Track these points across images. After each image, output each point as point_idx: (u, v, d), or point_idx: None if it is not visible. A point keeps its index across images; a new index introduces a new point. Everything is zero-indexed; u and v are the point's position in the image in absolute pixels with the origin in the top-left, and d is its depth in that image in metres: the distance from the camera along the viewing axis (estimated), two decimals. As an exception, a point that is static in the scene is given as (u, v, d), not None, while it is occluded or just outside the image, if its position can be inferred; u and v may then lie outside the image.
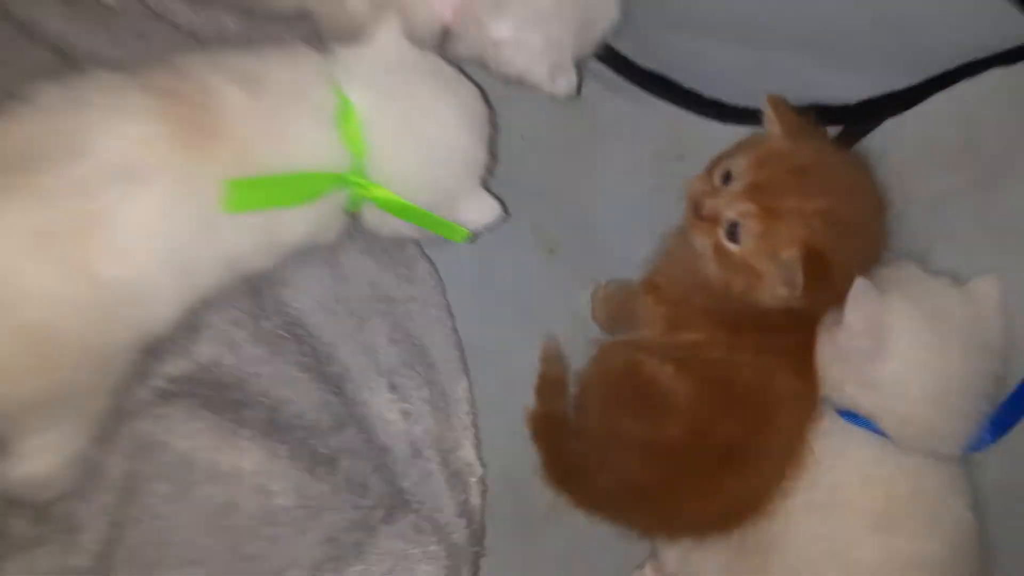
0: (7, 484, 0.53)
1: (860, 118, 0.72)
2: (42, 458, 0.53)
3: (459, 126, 0.57)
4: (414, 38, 0.59)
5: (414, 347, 0.70)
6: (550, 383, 0.73)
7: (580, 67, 0.66)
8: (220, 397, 0.61)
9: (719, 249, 0.61)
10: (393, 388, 0.68)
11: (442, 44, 0.65)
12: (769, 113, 0.63)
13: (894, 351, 0.58)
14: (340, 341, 0.67)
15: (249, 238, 0.52)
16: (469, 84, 0.60)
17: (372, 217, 0.59)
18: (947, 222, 0.66)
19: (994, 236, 0.63)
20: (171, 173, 0.47)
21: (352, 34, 0.61)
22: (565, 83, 0.65)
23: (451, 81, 0.59)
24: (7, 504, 0.56)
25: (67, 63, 0.66)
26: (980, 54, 0.62)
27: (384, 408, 0.67)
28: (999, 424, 0.62)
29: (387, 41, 0.57)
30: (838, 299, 0.60)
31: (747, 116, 0.77)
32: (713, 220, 0.61)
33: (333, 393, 0.66)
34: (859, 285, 0.58)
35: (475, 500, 0.69)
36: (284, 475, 0.61)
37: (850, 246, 0.61)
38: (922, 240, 0.66)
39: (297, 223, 0.54)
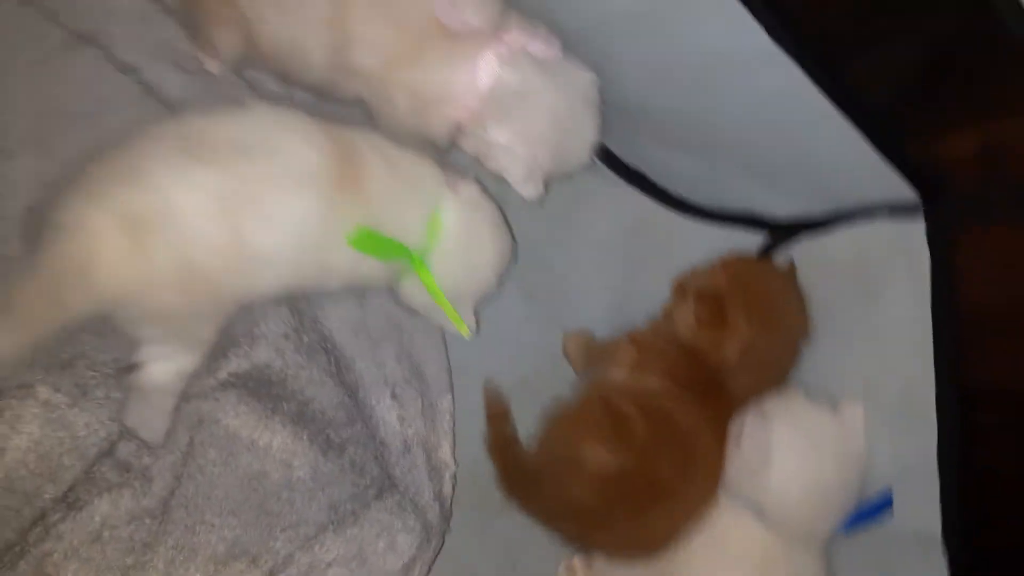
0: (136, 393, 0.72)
1: (785, 231, 0.91)
2: (162, 366, 0.71)
3: (490, 265, 0.80)
4: (433, 130, 0.78)
5: (413, 366, 0.89)
6: (496, 415, 0.87)
7: (547, 183, 0.81)
8: (265, 390, 0.79)
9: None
10: (394, 397, 0.86)
11: (453, 135, 0.80)
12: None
13: (775, 472, 0.76)
14: (358, 356, 0.85)
15: (342, 262, 0.70)
16: (509, 236, 0.81)
17: (409, 288, 0.78)
18: (837, 326, 0.84)
19: (869, 344, 0.81)
20: (320, 194, 0.66)
21: (395, 125, 0.78)
22: (532, 189, 0.79)
23: (499, 230, 0.80)
24: (112, 445, 0.74)
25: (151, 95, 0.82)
26: (876, 200, 0.80)
27: (386, 412, 0.85)
28: (855, 520, 0.79)
29: (470, 189, 0.78)
30: (756, 381, 0.80)
31: (703, 213, 0.96)
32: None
33: (348, 396, 0.84)
34: (751, 420, 0.77)
35: (447, 489, 0.87)
36: (304, 454, 0.79)
37: (768, 339, 0.81)
38: (815, 339, 0.85)
39: (374, 268, 0.73)
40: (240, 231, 0.63)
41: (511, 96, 0.75)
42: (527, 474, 0.84)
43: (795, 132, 0.76)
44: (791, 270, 0.86)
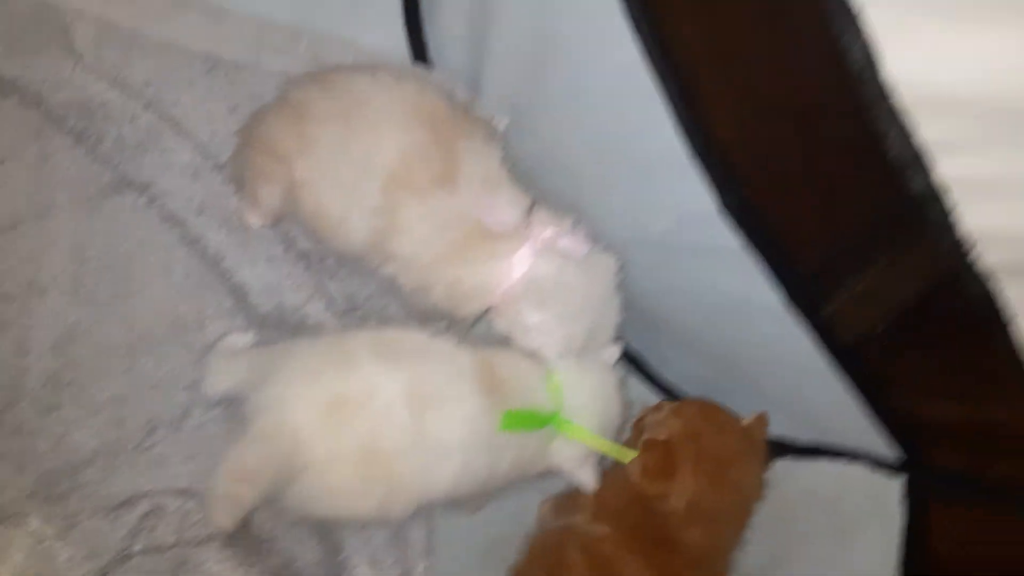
0: None
1: (771, 448, 0.94)
2: None
3: (607, 420, 0.83)
4: (464, 314, 0.82)
5: (398, 530, 0.90)
6: None
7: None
8: (252, 543, 0.81)
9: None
10: (372, 563, 0.86)
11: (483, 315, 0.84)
12: None
13: None
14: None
15: (508, 454, 0.77)
16: (620, 396, 0.85)
17: (557, 448, 0.82)
18: (807, 553, 0.87)
19: None
20: (479, 395, 0.74)
21: (424, 307, 0.82)
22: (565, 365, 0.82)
23: (612, 386, 0.85)
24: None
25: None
26: (859, 446, 0.83)
27: None
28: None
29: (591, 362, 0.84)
30: (707, 536, 0.81)
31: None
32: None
33: (330, 554, 0.85)
34: None
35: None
36: None
37: (717, 494, 0.81)
38: (786, 561, 0.87)
39: (529, 447, 0.79)
40: (422, 421, 0.71)
41: (548, 283, 0.80)
42: None
43: (789, 369, 0.80)
44: (759, 423, 0.87)
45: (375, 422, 0.70)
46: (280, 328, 0.84)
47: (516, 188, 0.81)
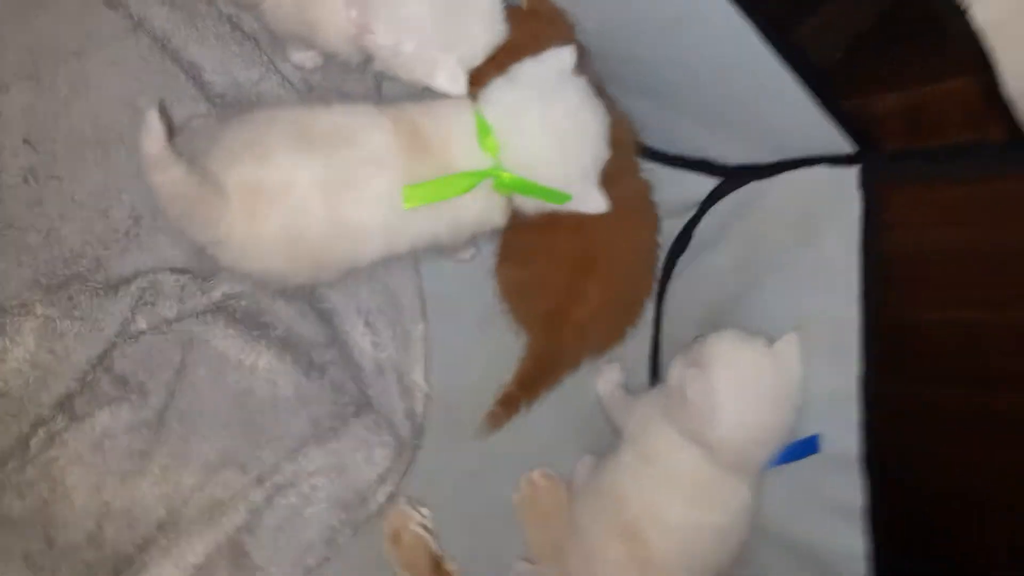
0: None
1: (735, 176, 0.97)
2: None
3: (577, 125, 0.75)
4: (326, 38, 0.76)
5: (389, 296, 0.95)
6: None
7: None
8: (251, 318, 0.86)
9: None
10: (368, 324, 0.93)
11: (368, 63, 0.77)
12: None
13: (722, 418, 0.80)
14: (332, 287, 0.91)
15: (439, 218, 0.75)
16: (589, 96, 0.75)
17: (516, 199, 0.78)
18: (778, 265, 0.92)
19: (803, 284, 0.88)
20: (398, 166, 0.72)
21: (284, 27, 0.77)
22: (449, 82, 0.73)
23: (572, 91, 0.75)
24: (100, 361, 0.80)
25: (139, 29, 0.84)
26: (818, 152, 0.86)
27: (359, 338, 0.92)
28: (783, 457, 0.84)
29: (521, 69, 0.75)
30: None
31: (659, 157, 1.03)
32: None
33: (325, 323, 0.92)
34: (693, 373, 0.81)
35: (419, 408, 0.95)
36: (288, 374, 0.86)
37: None
38: (756, 280, 0.92)
39: (469, 208, 0.77)
40: (339, 209, 0.71)
41: None
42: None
43: (744, 85, 0.82)
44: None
45: (292, 213, 0.70)
46: (239, 107, 0.84)
47: None
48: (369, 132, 0.73)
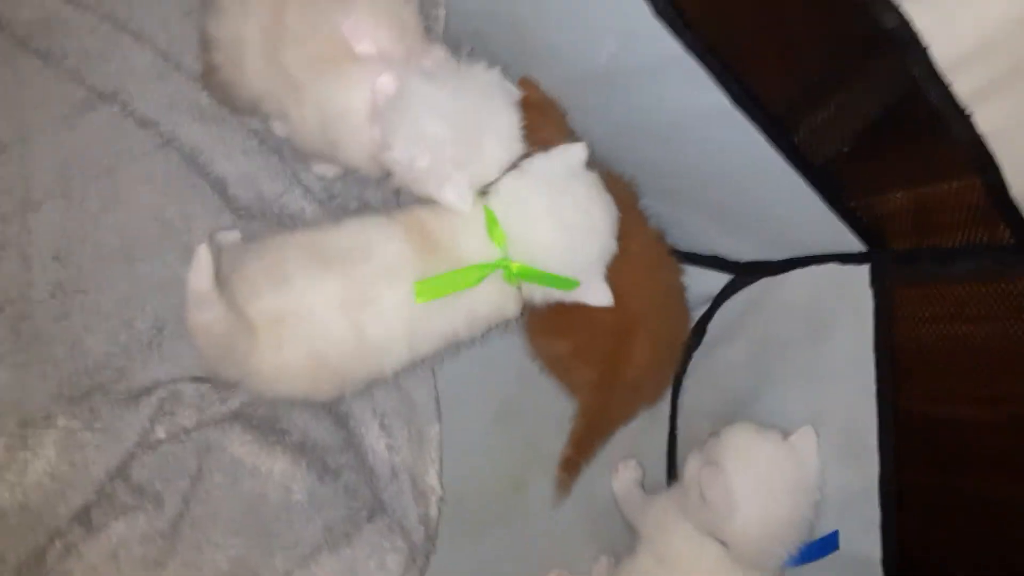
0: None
1: (746, 272, 0.98)
2: None
3: (586, 218, 0.76)
4: (349, 154, 0.79)
5: (403, 395, 0.95)
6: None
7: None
8: (268, 424, 0.87)
9: None
10: (382, 427, 0.93)
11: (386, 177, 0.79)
12: None
13: (740, 513, 0.80)
14: (350, 390, 0.92)
15: (456, 314, 0.76)
16: (599, 191, 0.76)
17: (525, 288, 0.79)
18: (792, 361, 0.91)
19: (817, 381, 0.88)
20: (413, 271, 0.73)
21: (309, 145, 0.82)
22: (453, 195, 0.73)
23: (582, 185, 0.76)
24: (118, 471, 0.81)
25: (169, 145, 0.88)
26: (827, 250, 0.87)
27: (374, 441, 0.92)
28: (804, 556, 0.83)
29: (531, 164, 0.77)
30: None
31: (674, 254, 1.03)
32: None
33: (340, 426, 0.92)
34: (709, 471, 0.80)
35: (433, 512, 0.94)
36: (302, 479, 0.85)
37: None
38: (769, 375, 0.92)
39: (484, 301, 0.77)
40: (361, 326, 0.71)
41: (393, 104, 0.72)
42: None
43: (752, 184, 0.84)
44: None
45: (315, 338, 0.71)
46: (263, 218, 0.88)
47: (417, 33, 0.77)
48: (383, 244, 0.74)
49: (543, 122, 0.85)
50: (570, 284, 0.77)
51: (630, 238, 0.81)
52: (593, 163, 0.80)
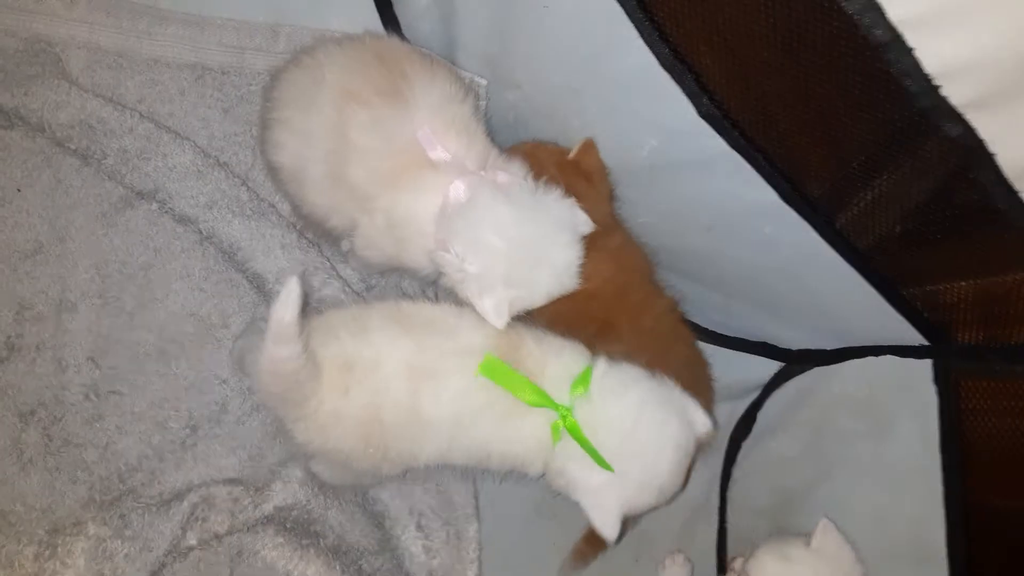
0: None
1: (798, 361, 0.94)
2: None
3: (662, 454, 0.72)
4: (412, 258, 0.78)
5: (441, 494, 0.93)
6: None
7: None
8: (302, 527, 0.84)
9: None
10: (419, 527, 0.89)
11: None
12: None
13: None
14: (384, 487, 0.89)
15: (494, 435, 0.73)
16: (687, 442, 0.72)
17: (557, 463, 0.73)
18: (849, 458, 0.87)
19: (879, 479, 0.83)
20: (475, 381, 0.71)
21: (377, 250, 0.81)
22: (492, 311, 0.72)
23: (677, 426, 0.72)
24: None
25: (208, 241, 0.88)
26: (884, 341, 0.83)
27: (411, 543, 0.89)
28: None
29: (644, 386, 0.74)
30: None
31: (717, 339, 1.01)
32: None
33: (376, 527, 0.89)
34: None
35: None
36: None
37: None
38: (826, 470, 0.87)
39: (522, 440, 0.73)
40: (418, 396, 0.71)
41: (460, 209, 0.72)
42: None
43: (803, 274, 0.81)
44: None
45: (376, 392, 0.70)
46: (302, 312, 0.85)
47: (481, 135, 0.78)
48: (470, 332, 0.73)
49: (587, 192, 0.83)
50: (608, 467, 0.72)
51: (644, 312, 0.81)
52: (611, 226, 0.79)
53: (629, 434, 0.71)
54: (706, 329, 1.00)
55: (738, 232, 0.81)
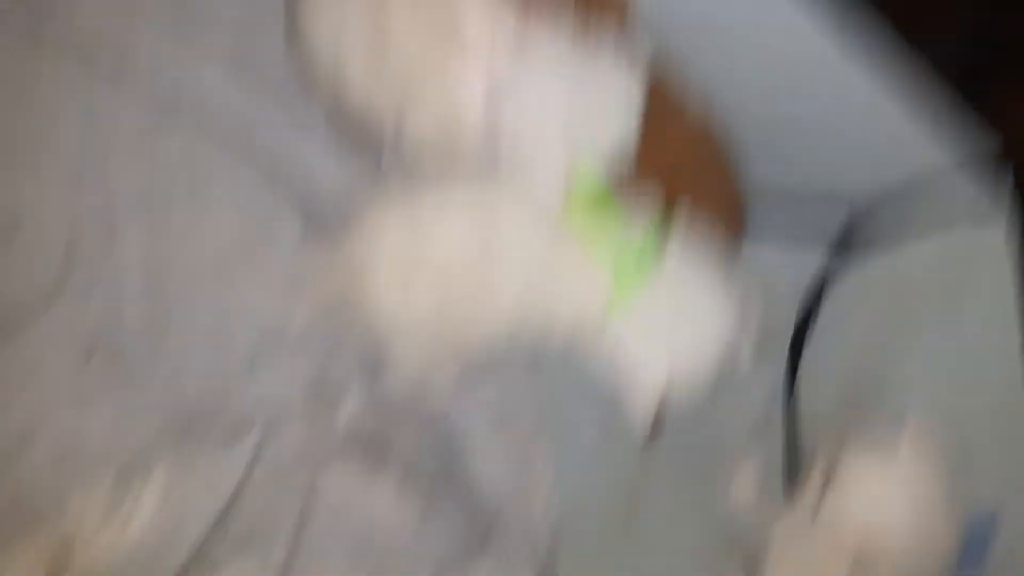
0: None
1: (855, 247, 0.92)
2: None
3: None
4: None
5: (508, 415, 0.88)
6: None
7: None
8: (373, 453, 0.81)
9: None
10: (490, 452, 0.86)
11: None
12: None
13: None
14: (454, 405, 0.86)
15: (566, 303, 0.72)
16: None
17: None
18: (920, 345, 0.86)
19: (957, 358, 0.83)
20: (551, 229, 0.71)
21: None
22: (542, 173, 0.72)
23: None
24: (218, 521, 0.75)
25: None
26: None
27: (481, 466, 0.85)
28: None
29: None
30: None
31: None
32: None
33: (446, 451, 0.86)
34: None
35: (545, 541, 0.87)
36: (409, 513, 0.80)
37: None
38: (898, 358, 0.86)
39: (591, 306, 0.73)
40: (489, 247, 0.70)
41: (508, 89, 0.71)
42: None
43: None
44: None
45: (442, 268, 0.69)
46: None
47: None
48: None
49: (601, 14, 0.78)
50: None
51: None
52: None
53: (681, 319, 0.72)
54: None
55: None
